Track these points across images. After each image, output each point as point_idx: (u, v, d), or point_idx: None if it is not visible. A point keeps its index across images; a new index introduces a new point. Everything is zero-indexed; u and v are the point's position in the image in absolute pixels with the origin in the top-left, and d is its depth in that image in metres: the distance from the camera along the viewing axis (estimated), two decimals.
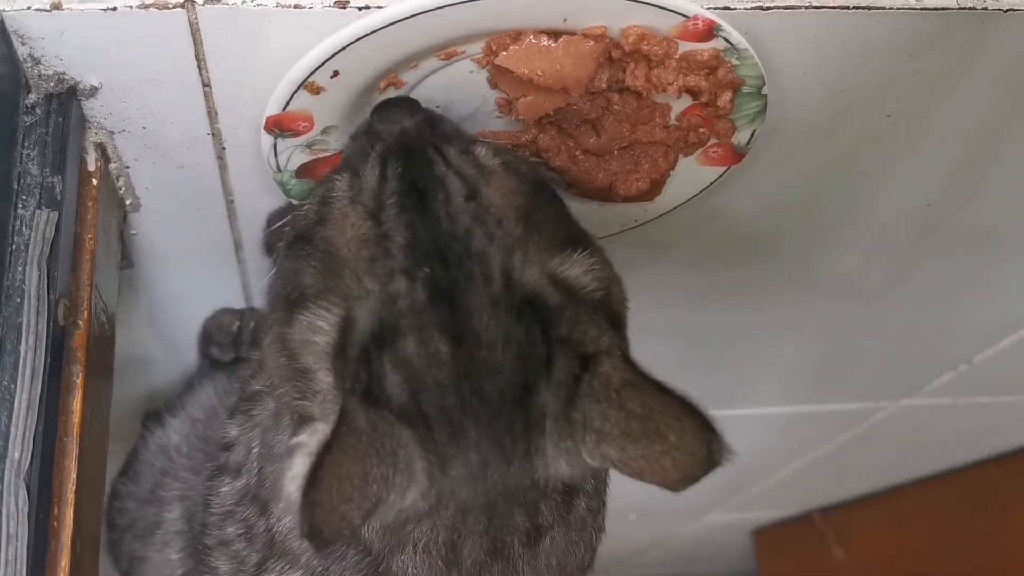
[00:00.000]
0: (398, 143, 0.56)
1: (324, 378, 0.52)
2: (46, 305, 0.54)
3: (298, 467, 0.47)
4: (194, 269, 0.86)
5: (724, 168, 0.69)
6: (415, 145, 0.56)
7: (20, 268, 0.54)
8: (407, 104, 0.58)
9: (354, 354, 0.50)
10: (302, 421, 0.52)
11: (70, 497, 0.56)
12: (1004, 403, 1.41)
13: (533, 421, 0.50)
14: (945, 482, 1.79)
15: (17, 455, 0.51)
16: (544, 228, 0.55)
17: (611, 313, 0.55)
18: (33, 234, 0.55)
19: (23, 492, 0.50)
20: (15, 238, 0.55)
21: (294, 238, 0.57)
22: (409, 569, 0.57)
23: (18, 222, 0.56)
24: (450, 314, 0.50)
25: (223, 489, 0.71)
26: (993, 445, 1.68)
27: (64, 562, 0.55)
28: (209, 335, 0.94)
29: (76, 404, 0.58)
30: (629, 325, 0.59)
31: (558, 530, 0.60)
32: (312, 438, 0.49)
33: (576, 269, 0.53)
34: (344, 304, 0.51)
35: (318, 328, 0.51)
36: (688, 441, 0.47)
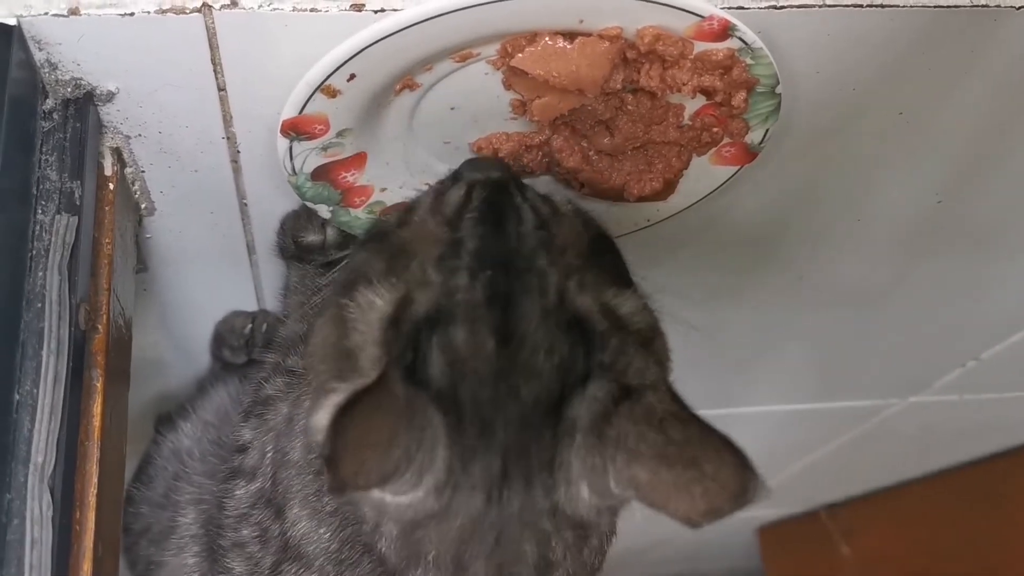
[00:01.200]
0: (483, 178, 0.59)
1: (371, 352, 0.51)
2: (67, 310, 0.55)
3: (334, 397, 0.48)
4: (207, 272, 0.87)
5: (737, 167, 0.70)
6: (501, 181, 0.59)
7: (41, 273, 0.54)
8: (492, 161, 0.64)
9: (406, 329, 0.51)
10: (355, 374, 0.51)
11: (92, 501, 0.57)
12: (1012, 399, 1.41)
13: (562, 431, 0.51)
14: (952, 479, 1.79)
15: (41, 459, 0.51)
16: (603, 267, 0.57)
17: (658, 356, 0.56)
18: (53, 239, 0.55)
19: (47, 496, 0.51)
20: (35, 243, 0.55)
21: (372, 235, 0.61)
22: None
23: (38, 227, 0.56)
24: (502, 316, 0.52)
25: (238, 492, 0.71)
26: (1000, 441, 1.68)
27: (86, 566, 0.55)
28: (221, 337, 0.94)
29: (96, 408, 0.59)
30: None
31: (570, 562, 0.59)
32: (349, 386, 0.49)
33: (628, 305, 0.55)
34: (405, 286, 0.53)
35: (375, 303, 0.53)
36: (724, 474, 0.47)
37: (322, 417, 0.48)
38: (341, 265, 0.67)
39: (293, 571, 0.65)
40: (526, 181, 0.63)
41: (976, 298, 1.07)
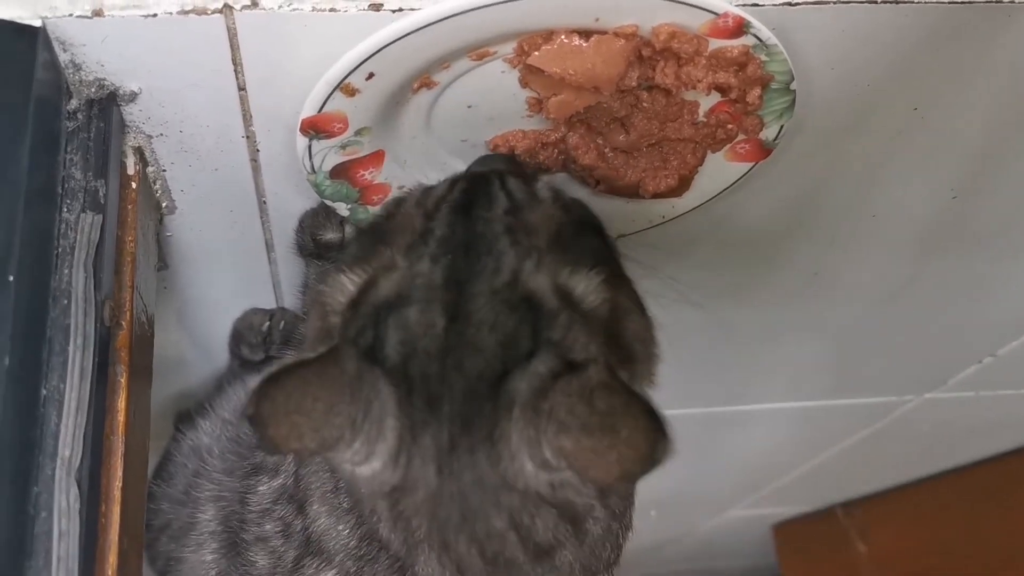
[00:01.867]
0: (472, 172, 0.63)
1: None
2: (93, 306, 0.56)
3: (273, 367, 0.50)
4: (226, 269, 0.88)
5: (752, 164, 0.70)
6: (484, 173, 0.62)
7: (67, 271, 0.55)
8: (496, 156, 0.66)
9: (366, 311, 0.55)
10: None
11: (117, 494, 0.58)
12: None
13: (502, 404, 0.52)
14: (969, 476, 1.79)
15: (68, 453, 0.52)
16: (570, 249, 0.58)
17: (619, 341, 0.57)
18: (78, 237, 0.56)
19: (75, 489, 0.51)
20: (61, 241, 0.56)
21: (366, 228, 0.65)
22: (424, 565, 0.59)
23: (63, 225, 0.57)
24: (456, 296, 0.54)
25: (260, 488, 0.72)
26: (1017, 438, 1.68)
27: (112, 558, 0.56)
28: (240, 335, 0.95)
29: (121, 403, 0.60)
30: None
31: (571, 548, 0.61)
32: (297, 356, 0.52)
33: (583, 285, 0.56)
34: (373, 272, 0.57)
35: (345, 289, 0.57)
36: (636, 437, 0.48)
37: (253, 381, 0.51)
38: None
39: (315, 565, 0.66)
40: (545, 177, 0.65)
41: (993, 294, 1.07)
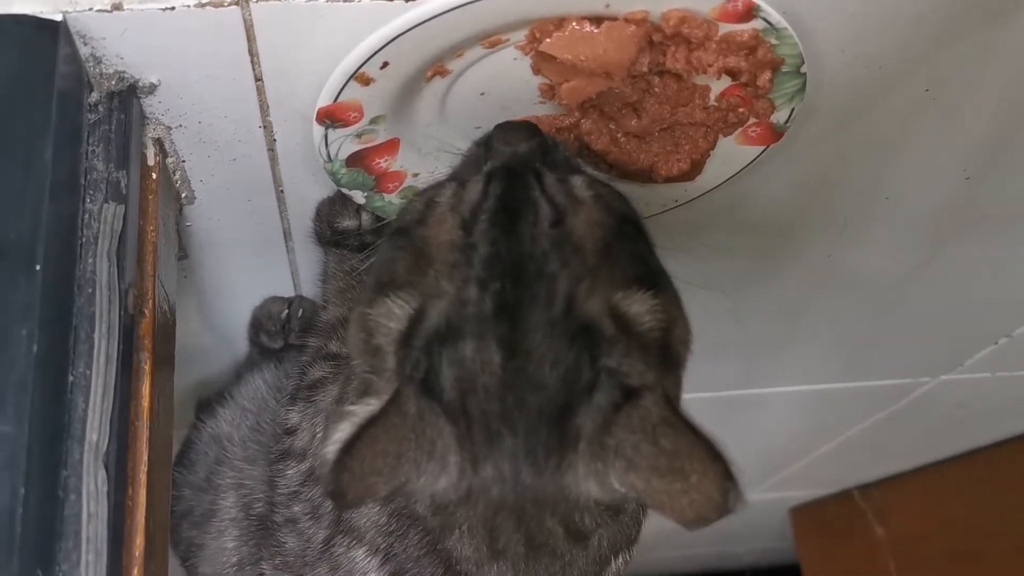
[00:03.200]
0: (505, 165, 0.60)
1: (388, 366, 0.55)
2: (116, 295, 0.57)
3: (341, 433, 0.51)
4: (245, 258, 0.89)
5: (763, 147, 0.71)
6: (519, 169, 0.60)
7: (91, 260, 0.57)
8: (527, 129, 0.62)
9: (419, 344, 0.54)
10: (366, 392, 0.56)
11: (143, 478, 0.59)
12: None
13: (568, 439, 0.53)
14: (985, 457, 1.78)
15: (95, 438, 0.53)
16: (618, 262, 0.57)
17: (667, 352, 0.57)
18: (102, 227, 0.58)
19: (102, 472, 0.53)
20: (84, 231, 0.58)
21: (396, 230, 0.62)
22: (461, 550, 0.60)
23: (87, 216, 0.58)
24: (510, 328, 0.53)
25: (289, 472, 0.74)
26: None
27: (139, 540, 0.57)
28: (259, 323, 0.96)
29: (145, 389, 0.61)
30: None
31: (605, 529, 0.63)
32: (362, 409, 0.53)
33: (637, 306, 0.55)
34: (420, 299, 0.55)
35: (393, 315, 0.55)
36: (707, 485, 0.50)
37: (329, 452, 0.51)
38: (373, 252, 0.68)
39: (345, 543, 0.68)
40: None
41: (1007, 275, 1.07)
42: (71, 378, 0.54)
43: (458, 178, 0.62)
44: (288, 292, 0.96)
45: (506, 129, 0.62)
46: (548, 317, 0.53)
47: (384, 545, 0.65)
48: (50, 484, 0.51)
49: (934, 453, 1.89)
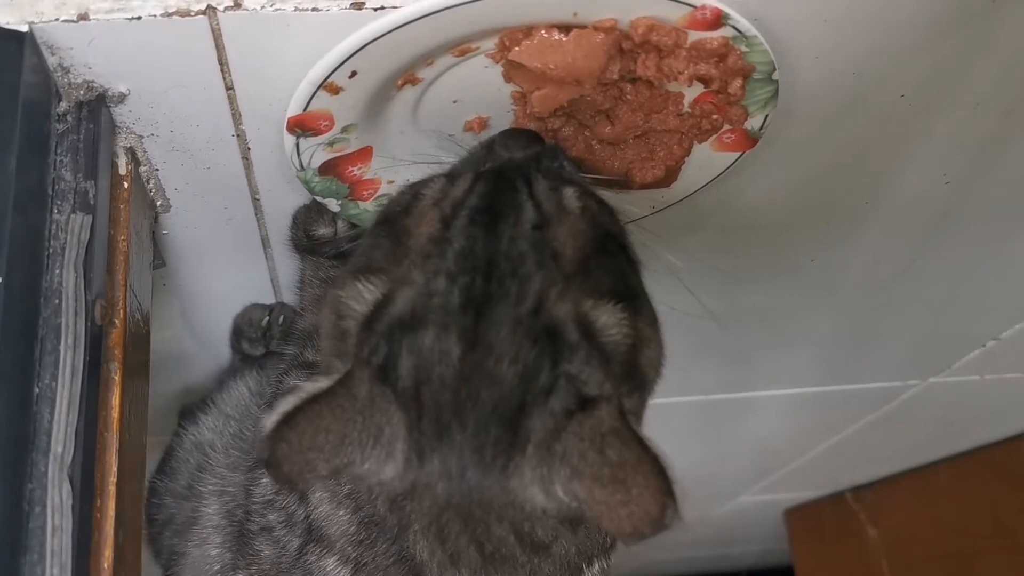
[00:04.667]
0: (497, 168, 0.60)
1: (353, 341, 0.55)
2: (83, 306, 0.57)
3: (284, 405, 0.51)
4: (224, 266, 0.89)
5: (738, 153, 0.70)
6: (509, 173, 0.60)
7: (57, 271, 0.56)
8: (529, 136, 0.63)
9: (381, 329, 0.54)
10: (325, 373, 0.56)
11: (111, 489, 0.59)
12: None
13: (518, 441, 0.52)
14: (977, 459, 1.79)
15: (60, 449, 0.53)
16: (595, 274, 0.57)
17: (634, 371, 0.57)
18: (69, 238, 0.57)
19: (67, 485, 0.53)
20: (51, 242, 0.57)
21: (382, 219, 0.62)
22: (420, 553, 0.60)
23: (54, 226, 0.58)
24: (473, 322, 0.53)
25: (264, 480, 0.73)
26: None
27: (108, 552, 0.57)
28: (240, 330, 0.96)
29: (115, 400, 0.61)
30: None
31: (566, 539, 0.62)
32: (311, 386, 0.53)
33: (606, 317, 0.55)
34: (389, 284, 0.56)
35: (361, 298, 0.56)
36: (647, 499, 0.49)
37: (269, 422, 0.51)
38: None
39: (317, 552, 0.68)
40: None
41: (993, 277, 1.07)
42: (36, 390, 0.54)
43: (451, 174, 0.62)
44: (269, 299, 0.96)
45: (510, 135, 0.63)
46: (515, 314, 0.53)
47: (355, 555, 0.65)
48: (15, 497, 0.51)
49: (926, 455, 1.89)
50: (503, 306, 0.53)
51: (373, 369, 0.53)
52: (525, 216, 0.57)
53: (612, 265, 0.59)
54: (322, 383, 0.53)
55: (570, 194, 0.60)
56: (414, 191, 0.62)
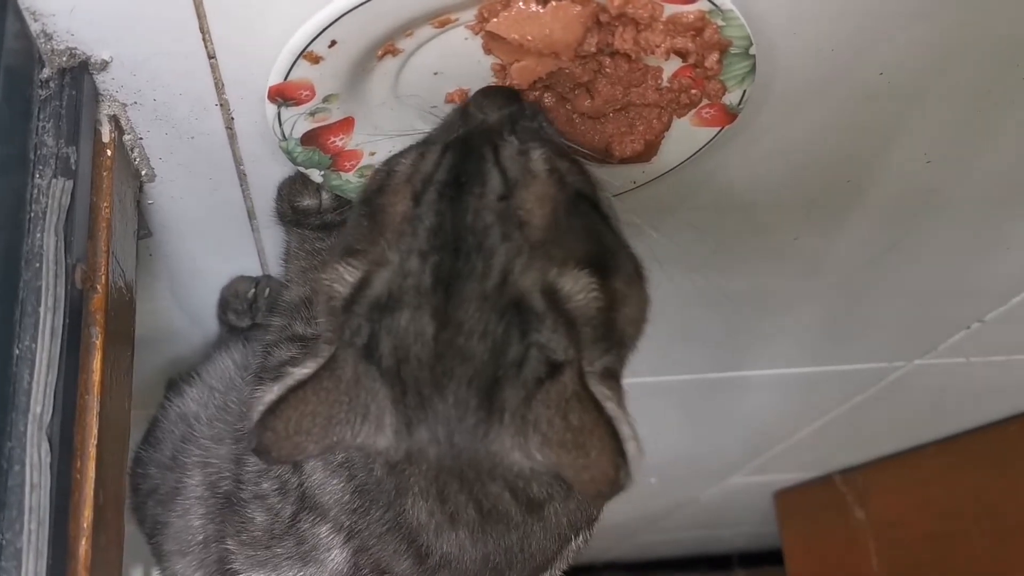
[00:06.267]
0: (465, 136, 0.60)
1: (335, 323, 0.57)
2: (63, 269, 0.57)
3: (270, 395, 0.54)
4: (210, 237, 0.89)
5: (718, 128, 0.71)
6: (476, 140, 0.60)
7: (38, 234, 0.57)
8: (504, 96, 0.62)
9: (361, 311, 0.56)
10: (313, 356, 0.57)
11: (92, 451, 0.60)
12: (1019, 361, 1.41)
13: (495, 411, 0.54)
14: (964, 442, 1.80)
15: (39, 409, 0.54)
16: (564, 240, 0.57)
17: (609, 332, 0.57)
18: (50, 202, 0.58)
19: (45, 444, 0.54)
20: (33, 206, 0.58)
21: (362, 199, 0.64)
22: (417, 515, 0.61)
23: (35, 191, 0.59)
24: (444, 300, 0.54)
25: None
26: (1011, 404, 1.68)
27: (87, 512, 0.58)
28: (226, 302, 0.97)
29: (96, 364, 0.62)
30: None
31: (561, 503, 0.64)
32: (299, 372, 0.55)
33: (571, 284, 0.56)
34: (368, 266, 0.57)
35: (343, 280, 0.58)
36: (603, 461, 0.52)
37: (255, 413, 0.53)
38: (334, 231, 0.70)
39: (311, 520, 0.69)
40: None
41: (976, 259, 1.08)
42: (16, 351, 0.55)
43: (423, 145, 0.63)
44: (256, 271, 0.97)
45: (485, 94, 0.63)
46: (481, 290, 0.54)
47: (348, 523, 0.66)
48: None
49: (913, 438, 1.90)
50: (470, 282, 0.54)
51: (358, 349, 0.55)
52: (490, 186, 0.58)
53: (584, 226, 0.60)
54: (307, 368, 0.55)
55: (537, 156, 0.60)
56: (388, 167, 0.63)
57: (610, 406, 0.53)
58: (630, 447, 0.51)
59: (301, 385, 0.54)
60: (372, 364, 0.55)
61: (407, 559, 0.65)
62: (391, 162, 0.63)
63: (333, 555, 0.68)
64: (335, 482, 0.67)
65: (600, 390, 0.53)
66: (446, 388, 0.54)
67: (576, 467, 0.53)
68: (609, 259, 0.59)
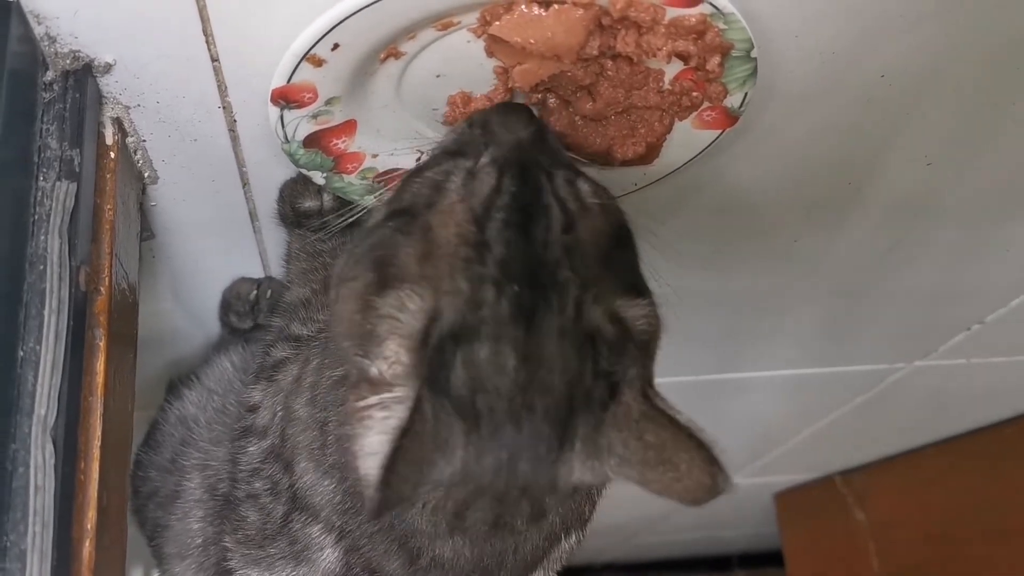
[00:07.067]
0: (515, 157, 0.60)
1: (396, 351, 0.54)
2: (67, 272, 0.58)
3: (376, 446, 0.51)
4: (212, 239, 0.89)
5: (719, 131, 0.71)
6: (530, 166, 0.60)
7: (42, 237, 0.57)
8: (526, 113, 0.62)
9: (433, 343, 0.54)
10: (360, 379, 0.55)
11: (96, 452, 0.60)
12: (1019, 363, 1.42)
13: (567, 439, 0.56)
14: (964, 444, 1.80)
15: (43, 411, 0.54)
16: (617, 271, 0.60)
17: (651, 348, 0.60)
18: (54, 204, 0.58)
19: (49, 446, 0.54)
20: (37, 209, 0.58)
21: (400, 210, 0.60)
22: (420, 524, 0.62)
23: (39, 193, 0.59)
24: (524, 333, 0.55)
25: (250, 449, 0.75)
26: (1011, 406, 1.69)
27: (91, 513, 0.58)
28: (228, 304, 0.97)
29: (100, 366, 0.62)
30: None
31: (561, 508, 0.66)
32: (383, 419, 0.52)
33: (633, 311, 0.58)
34: (434, 295, 0.55)
35: (406, 308, 0.55)
36: (696, 472, 0.54)
37: (371, 471, 0.50)
38: (363, 230, 0.66)
39: (302, 520, 0.69)
40: None
41: (976, 261, 1.08)
42: (21, 353, 0.55)
43: (459, 157, 0.61)
44: (257, 273, 0.97)
45: (506, 113, 0.62)
46: (560, 324, 0.55)
47: (339, 523, 0.66)
48: None
49: (913, 440, 1.90)
50: (548, 316, 0.55)
51: (428, 382, 0.54)
52: (554, 218, 0.58)
53: (627, 258, 0.63)
54: (393, 411, 0.52)
55: (586, 190, 0.61)
56: (432, 182, 0.60)
57: (683, 417, 0.55)
58: (719, 454, 0.53)
59: (403, 434, 0.51)
60: (443, 396, 0.53)
61: (397, 559, 0.66)
62: (430, 176, 0.61)
63: (325, 555, 0.68)
64: (327, 483, 0.68)
65: (665, 404, 0.56)
66: (523, 419, 0.54)
67: (665, 481, 0.55)
68: (646, 286, 0.62)
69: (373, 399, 0.53)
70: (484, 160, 0.60)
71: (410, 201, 0.60)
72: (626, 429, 0.56)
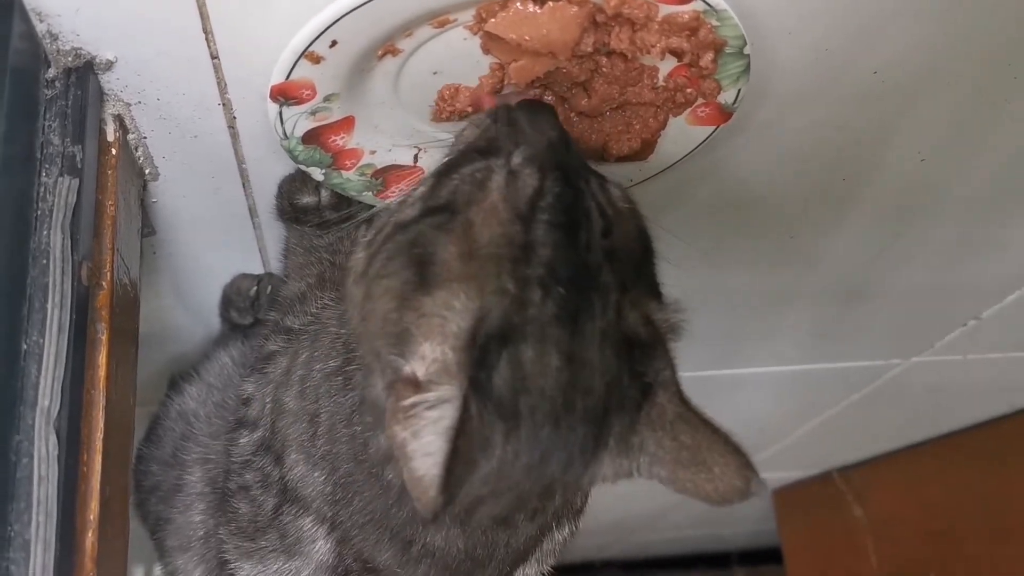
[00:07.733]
0: (553, 159, 0.60)
1: (441, 350, 0.53)
2: (70, 266, 0.58)
3: (432, 446, 0.50)
4: (213, 235, 0.90)
5: (713, 127, 0.72)
6: (569, 170, 0.60)
7: (45, 232, 0.58)
8: (551, 113, 0.63)
9: (480, 343, 0.53)
10: (395, 378, 0.54)
11: (98, 445, 0.61)
12: (1016, 359, 1.42)
13: (602, 439, 0.57)
14: (962, 440, 1.81)
15: (47, 403, 0.55)
16: (646, 275, 0.63)
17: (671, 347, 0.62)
18: (56, 200, 0.59)
19: (53, 437, 0.55)
20: (39, 204, 0.59)
21: (437, 207, 0.59)
22: (417, 516, 0.62)
23: (42, 189, 0.60)
24: (569, 335, 0.55)
25: (242, 440, 0.76)
26: (1009, 401, 1.69)
27: (94, 504, 0.59)
28: (228, 299, 0.98)
29: (102, 359, 0.63)
30: None
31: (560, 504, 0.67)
32: (436, 420, 0.51)
33: (661, 314, 0.60)
34: (480, 295, 0.54)
35: (453, 307, 0.54)
36: (730, 475, 0.57)
37: (429, 473, 0.50)
38: (379, 226, 0.63)
39: (293, 512, 0.70)
40: None
41: (972, 257, 1.09)
42: (24, 346, 0.56)
43: (491, 156, 0.60)
44: (257, 269, 0.98)
45: (533, 112, 0.62)
46: (601, 328, 0.56)
47: (331, 514, 0.67)
48: (2, 448, 0.53)
49: (911, 436, 1.91)
50: (591, 319, 0.56)
51: (471, 382, 0.53)
52: (595, 223, 0.59)
53: (652, 260, 0.64)
54: (440, 409, 0.51)
55: (618, 195, 0.63)
56: (474, 180, 0.59)
57: (716, 421, 0.57)
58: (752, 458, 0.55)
59: (458, 435, 0.50)
60: (485, 396, 0.53)
61: (389, 549, 0.66)
62: (468, 173, 0.60)
63: (318, 546, 0.69)
64: (317, 474, 0.68)
65: (697, 406, 0.57)
66: (562, 420, 0.55)
67: (697, 481, 0.56)
68: (658, 283, 0.64)
69: (416, 398, 0.52)
70: (518, 160, 0.60)
71: (448, 198, 0.59)
72: (660, 429, 0.57)
